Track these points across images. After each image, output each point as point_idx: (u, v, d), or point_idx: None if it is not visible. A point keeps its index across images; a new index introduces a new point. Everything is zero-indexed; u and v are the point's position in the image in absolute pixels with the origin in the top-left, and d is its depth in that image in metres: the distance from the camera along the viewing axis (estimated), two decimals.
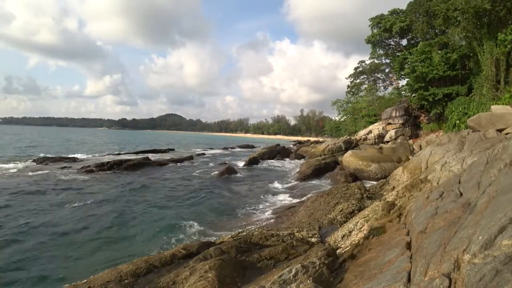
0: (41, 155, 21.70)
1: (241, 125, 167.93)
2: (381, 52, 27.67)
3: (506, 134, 8.13)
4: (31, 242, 6.29)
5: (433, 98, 16.93)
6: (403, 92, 25.89)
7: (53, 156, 20.80)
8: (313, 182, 13.17)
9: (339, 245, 4.80)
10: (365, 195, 7.89)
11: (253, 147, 42.18)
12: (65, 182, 12.44)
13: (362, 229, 4.75)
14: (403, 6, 23.61)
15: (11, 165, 16.71)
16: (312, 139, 64.35)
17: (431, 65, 17.29)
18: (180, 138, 75.64)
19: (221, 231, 6.97)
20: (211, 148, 37.67)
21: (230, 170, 15.63)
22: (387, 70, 29.68)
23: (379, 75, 30.42)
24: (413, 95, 19.88)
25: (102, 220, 7.82)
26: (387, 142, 19.03)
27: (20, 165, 16.93)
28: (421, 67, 17.47)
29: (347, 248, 4.29)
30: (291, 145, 39.32)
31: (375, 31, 26.15)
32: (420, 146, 14.40)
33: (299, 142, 48.40)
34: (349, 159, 13.38)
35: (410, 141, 17.24)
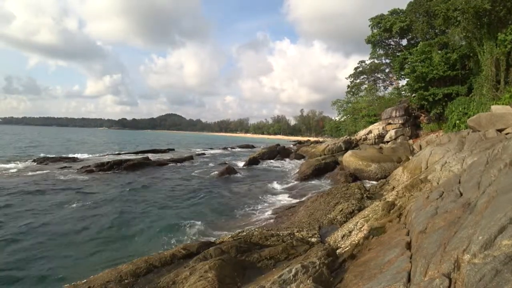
0: (41, 155, 21.69)
1: (241, 125, 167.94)
2: (381, 52, 27.66)
3: (506, 134, 8.12)
4: (31, 242, 6.29)
5: (433, 98, 16.93)
6: (403, 92, 25.89)
7: (53, 156, 20.79)
8: (313, 182, 13.17)
9: (339, 245, 4.80)
10: (365, 195, 7.88)
11: (253, 147, 42.16)
12: (65, 182, 12.43)
13: (362, 229, 4.75)
14: (403, 6, 23.65)
15: (11, 165, 16.70)
16: (312, 139, 64.34)
17: (431, 65, 17.28)
18: (180, 138, 75.64)
19: (221, 231, 6.97)
20: (211, 148, 37.66)
21: (230, 170, 15.63)
22: (387, 70, 29.69)
23: (379, 75, 30.42)
24: (413, 95, 19.88)
25: (102, 220, 7.82)
26: (387, 142, 19.02)
27: (20, 165, 16.93)
28: (421, 67, 17.47)
29: (347, 248, 4.29)
30: (291, 145, 39.31)
31: (375, 31, 26.14)
32: (420, 146, 14.40)
33: (299, 142, 48.39)
34: (349, 159, 13.38)
35: (410, 141, 17.23)
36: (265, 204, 9.42)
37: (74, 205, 9.09)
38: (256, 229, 5.99)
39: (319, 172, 14.40)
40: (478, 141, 7.75)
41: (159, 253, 4.71)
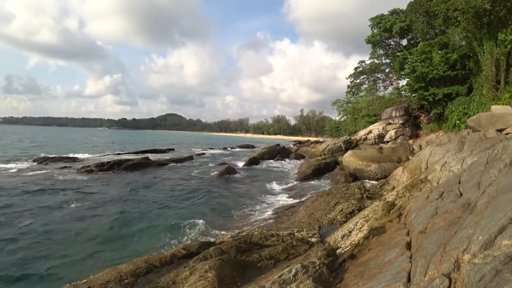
0: (42, 155, 21.69)
1: (241, 125, 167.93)
2: (381, 52, 27.64)
3: (506, 134, 8.12)
4: (30, 242, 6.28)
5: (433, 98, 16.92)
6: (403, 92, 25.88)
7: (54, 156, 20.79)
8: (313, 182, 13.17)
9: (339, 245, 4.80)
10: (365, 195, 7.88)
11: (253, 147, 42.15)
12: (65, 182, 12.43)
13: (362, 229, 4.75)
14: (403, 6, 23.63)
15: (12, 165, 16.70)
16: (312, 139, 64.36)
17: (431, 65, 17.28)
18: (180, 138, 75.64)
19: (221, 231, 6.98)
20: (211, 148, 37.66)
21: (230, 170, 15.62)
22: (387, 70, 29.66)
23: (379, 75, 30.39)
24: (413, 95, 19.88)
25: (102, 220, 7.82)
26: (387, 142, 19.02)
27: (21, 165, 16.93)
28: (421, 67, 17.47)
29: (347, 248, 4.29)
30: (291, 145, 39.33)
31: (375, 31, 26.13)
32: (420, 146, 14.40)
33: (299, 142, 48.39)
34: (349, 159, 13.38)
35: (410, 141, 17.23)
36: (265, 204, 9.42)
37: (74, 205, 9.09)
38: (256, 229, 5.99)
39: (319, 172, 14.40)
40: (478, 141, 7.75)
41: (159, 253, 4.71)
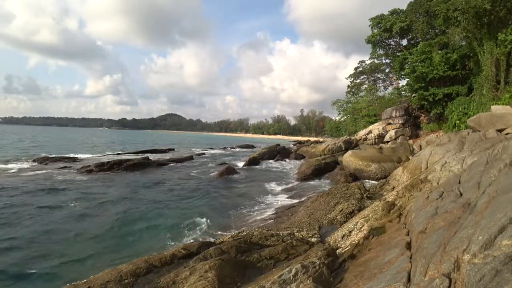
0: (43, 155, 21.70)
1: (241, 125, 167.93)
2: (381, 52, 27.64)
3: (506, 134, 8.12)
4: (30, 242, 6.29)
5: (433, 98, 16.92)
6: (403, 92, 25.88)
7: (54, 156, 20.80)
8: (313, 182, 13.17)
9: (339, 245, 4.80)
10: (365, 195, 7.89)
11: (253, 147, 42.16)
12: (65, 182, 12.43)
13: (362, 229, 4.75)
14: (403, 6, 23.62)
15: (12, 165, 16.70)
16: (312, 139, 64.36)
17: (431, 65, 17.28)
18: (180, 138, 75.64)
19: (221, 231, 6.98)
20: (211, 148, 37.67)
21: (230, 170, 15.62)
22: (387, 70, 29.66)
23: (379, 75, 30.39)
24: (413, 95, 19.88)
25: (102, 220, 7.82)
26: (387, 142, 19.02)
27: (21, 165, 16.93)
28: (421, 67, 17.47)
29: (347, 248, 4.29)
30: (291, 145, 39.33)
31: (375, 31, 26.13)
32: (420, 146, 14.40)
33: (299, 142, 48.40)
34: (349, 159, 13.38)
35: (410, 141, 17.24)
36: (265, 204, 9.42)
37: (74, 205, 9.10)
38: (256, 229, 5.99)
39: (319, 172, 14.40)
40: (478, 141, 7.75)
41: (159, 253, 4.71)
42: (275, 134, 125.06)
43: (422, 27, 19.70)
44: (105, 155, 24.09)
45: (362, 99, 30.33)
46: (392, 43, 26.68)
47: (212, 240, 5.70)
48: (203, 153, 28.95)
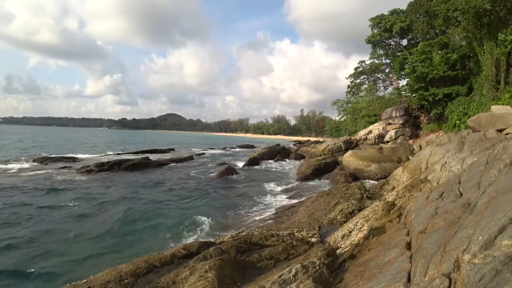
0: (44, 154, 21.71)
1: (241, 125, 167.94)
2: (381, 52, 27.65)
3: (506, 134, 8.12)
4: (30, 242, 6.29)
5: (433, 98, 16.93)
6: (403, 92, 25.89)
7: (54, 156, 20.80)
8: (313, 182, 13.17)
9: (339, 245, 4.80)
10: (365, 195, 7.88)
11: (253, 147, 42.16)
12: (65, 182, 12.43)
13: (362, 229, 4.75)
14: (403, 6, 23.62)
15: (12, 165, 16.70)
16: (312, 139, 64.37)
17: (431, 65, 17.28)
18: (180, 138, 75.64)
19: (221, 231, 6.98)
20: (211, 148, 37.67)
21: (230, 170, 15.62)
22: (387, 70, 29.66)
23: (379, 75, 30.40)
24: (413, 95, 19.88)
25: (102, 220, 7.83)
26: (387, 142, 19.02)
27: (21, 165, 16.93)
28: (421, 67, 17.47)
29: (347, 248, 4.29)
30: (291, 145, 39.33)
31: (375, 31, 26.13)
32: (420, 146, 14.40)
33: (299, 142, 48.39)
34: (349, 159, 13.38)
35: (410, 141, 17.24)
36: (265, 204, 9.42)
37: (74, 205, 9.10)
38: (256, 229, 5.99)
39: (319, 172, 14.40)
40: (478, 141, 7.75)
41: (159, 253, 4.71)
42: (275, 134, 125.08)
43: (422, 27, 19.69)
44: (105, 155, 24.09)
45: (362, 99, 30.35)
46: (392, 43, 26.69)
47: (212, 240, 5.70)
48: (203, 153, 28.95)
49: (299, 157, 23.76)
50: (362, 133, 22.11)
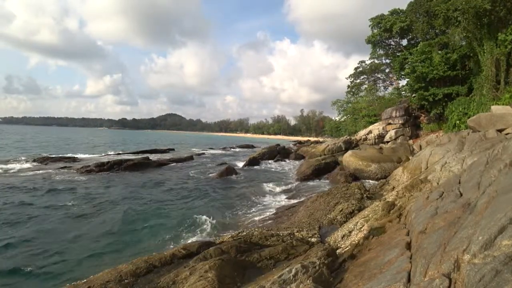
0: (44, 154, 21.71)
1: (241, 125, 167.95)
2: (381, 52, 27.66)
3: (506, 134, 8.12)
4: (30, 242, 6.28)
5: (433, 98, 16.93)
6: (403, 92, 25.89)
7: (54, 156, 20.80)
8: (313, 182, 13.17)
9: (339, 245, 4.80)
10: (365, 195, 7.88)
11: (253, 147, 42.15)
12: (65, 182, 12.43)
13: (362, 229, 4.75)
14: (403, 6, 23.62)
15: (12, 165, 16.69)
16: (312, 139, 64.36)
17: (431, 65, 17.28)
18: (180, 138, 75.65)
19: (221, 231, 6.97)
20: (211, 148, 37.67)
21: (230, 171, 15.62)
22: (387, 70, 29.67)
23: (379, 75, 30.41)
24: (413, 95, 19.88)
25: (102, 220, 7.82)
26: (387, 142, 19.02)
27: (21, 165, 16.91)
28: (421, 67, 17.47)
29: (347, 248, 4.29)
30: (291, 145, 39.30)
31: (375, 31, 26.14)
32: (420, 146, 14.40)
33: (299, 142, 48.36)
34: (349, 159, 13.38)
35: (410, 141, 17.24)
36: (265, 204, 9.42)
37: (73, 204, 9.09)
38: (256, 229, 5.99)
39: (319, 172, 14.40)
40: (478, 141, 7.75)
41: (159, 253, 4.71)
42: (275, 134, 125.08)
43: (422, 27, 19.69)
44: (105, 155, 24.09)
45: (362, 99, 30.36)
46: (392, 43, 26.69)
47: (212, 240, 5.70)
48: (203, 153, 28.95)
49: (299, 157, 23.76)
50: (362, 133, 22.11)
